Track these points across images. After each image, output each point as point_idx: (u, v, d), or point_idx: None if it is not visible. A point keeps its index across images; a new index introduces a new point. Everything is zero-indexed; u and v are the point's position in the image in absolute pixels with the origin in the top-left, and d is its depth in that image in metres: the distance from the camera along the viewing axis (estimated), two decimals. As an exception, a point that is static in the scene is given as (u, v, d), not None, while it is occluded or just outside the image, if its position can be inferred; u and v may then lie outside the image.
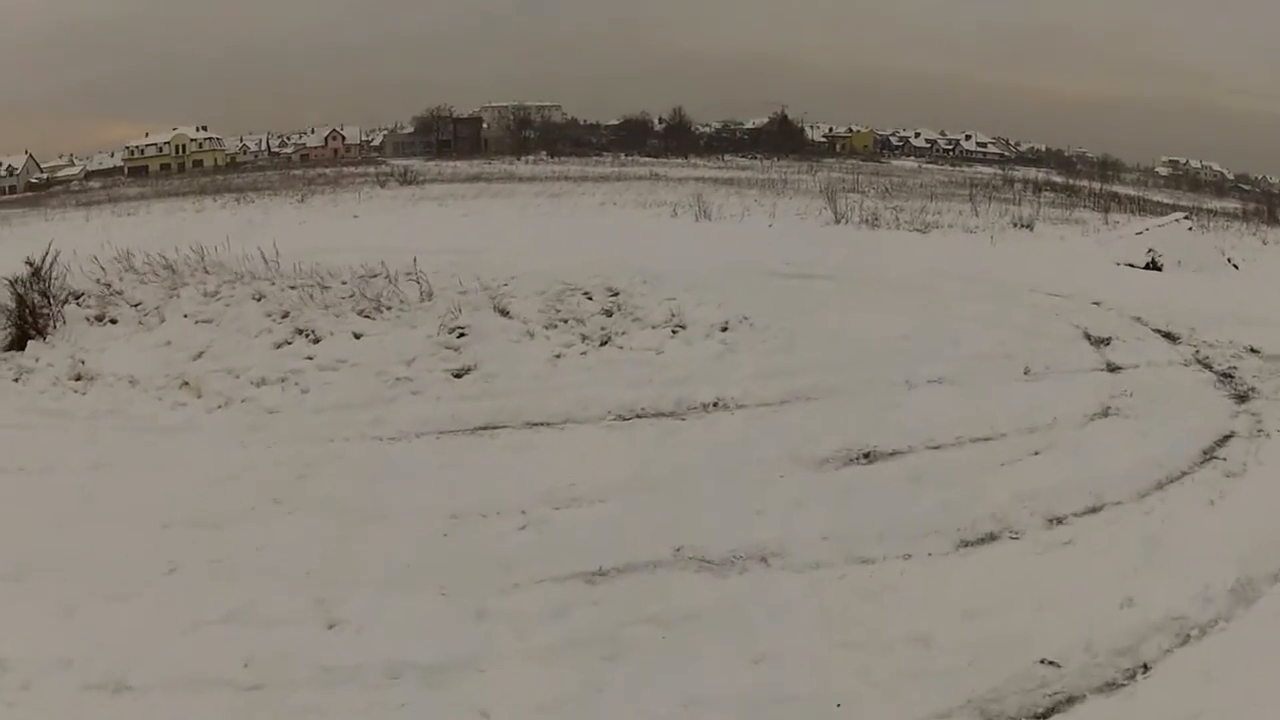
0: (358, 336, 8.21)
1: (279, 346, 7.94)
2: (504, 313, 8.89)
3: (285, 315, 8.53)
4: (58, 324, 8.20)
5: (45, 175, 76.05)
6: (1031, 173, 55.05)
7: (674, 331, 8.69)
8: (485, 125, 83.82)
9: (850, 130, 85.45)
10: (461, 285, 9.11)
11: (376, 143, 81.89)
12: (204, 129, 79.74)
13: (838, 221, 17.31)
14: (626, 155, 66.02)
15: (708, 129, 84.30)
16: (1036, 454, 5.93)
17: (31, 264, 8.09)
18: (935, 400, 6.95)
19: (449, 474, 5.84)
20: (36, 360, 7.65)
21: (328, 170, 51.51)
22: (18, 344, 7.96)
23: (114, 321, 8.43)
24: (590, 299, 9.16)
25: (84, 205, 35.86)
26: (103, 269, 9.23)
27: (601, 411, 7.00)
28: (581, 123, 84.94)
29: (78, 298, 9.01)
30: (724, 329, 8.69)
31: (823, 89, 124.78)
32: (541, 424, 6.80)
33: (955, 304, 9.83)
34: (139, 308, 8.96)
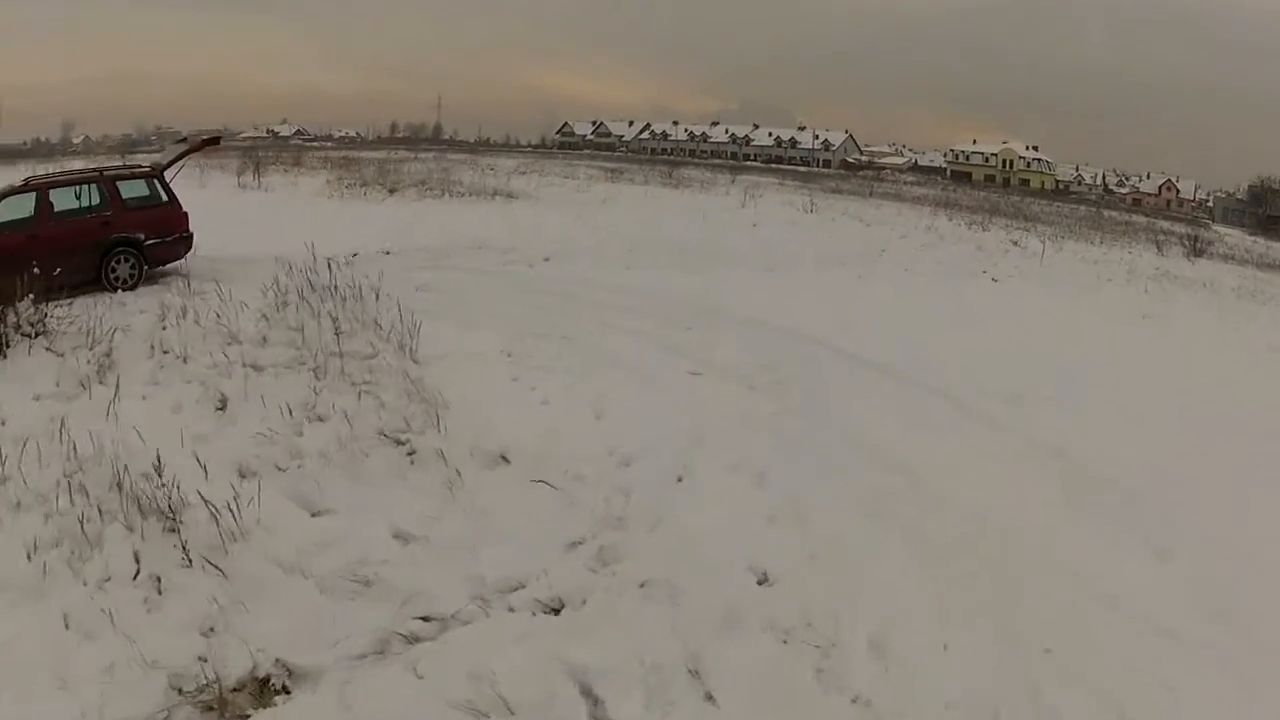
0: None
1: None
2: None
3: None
4: (27, 349, 7.40)
5: (866, 158, 77.12)
6: None
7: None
8: (1319, 211, 69.69)
9: None
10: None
11: (1211, 203, 73.33)
12: (1034, 149, 78.92)
13: None
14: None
15: None
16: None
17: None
18: None
19: None
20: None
21: (1138, 218, 44.87)
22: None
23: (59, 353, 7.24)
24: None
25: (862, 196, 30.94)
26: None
27: None
28: None
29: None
30: None
31: None
32: None
33: None
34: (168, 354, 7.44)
